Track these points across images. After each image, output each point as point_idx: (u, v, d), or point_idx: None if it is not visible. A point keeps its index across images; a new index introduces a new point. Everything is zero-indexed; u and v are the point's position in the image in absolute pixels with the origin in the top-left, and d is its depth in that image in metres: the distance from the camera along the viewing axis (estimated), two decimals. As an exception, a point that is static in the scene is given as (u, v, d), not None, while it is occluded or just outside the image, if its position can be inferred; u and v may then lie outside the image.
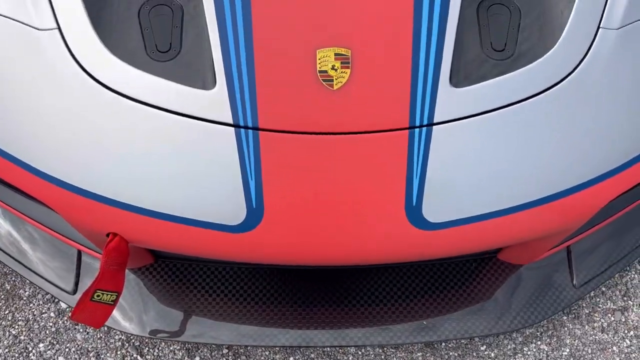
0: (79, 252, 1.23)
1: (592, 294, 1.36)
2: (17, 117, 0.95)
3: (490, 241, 1.02)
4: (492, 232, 0.98)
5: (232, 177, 0.91)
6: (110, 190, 0.93)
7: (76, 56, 0.92)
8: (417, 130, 0.92)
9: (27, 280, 1.31)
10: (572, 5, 0.95)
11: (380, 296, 1.21)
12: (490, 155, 0.93)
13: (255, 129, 0.91)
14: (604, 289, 1.38)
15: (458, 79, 0.93)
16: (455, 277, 1.23)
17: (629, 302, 1.36)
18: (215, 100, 0.91)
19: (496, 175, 0.94)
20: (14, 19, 0.94)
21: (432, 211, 0.93)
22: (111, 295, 0.99)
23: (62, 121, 0.93)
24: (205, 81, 0.92)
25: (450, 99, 0.92)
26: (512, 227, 0.97)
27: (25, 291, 1.35)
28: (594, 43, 0.94)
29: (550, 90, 0.93)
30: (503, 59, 0.95)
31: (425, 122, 0.92)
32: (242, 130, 0.91)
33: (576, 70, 0.94)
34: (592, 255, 1.28)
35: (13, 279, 1.37)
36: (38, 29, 0.93)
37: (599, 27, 0.95)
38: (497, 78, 0.93)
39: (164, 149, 0.91)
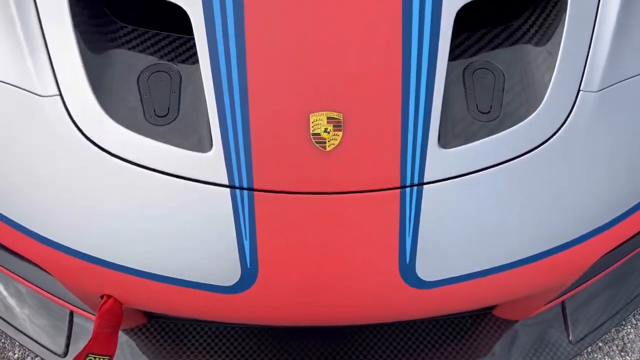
0: (71, 313, 1.22)
1: (589, 349, 1.35)
2: (13, 179, 0.97)
3: (484, 299, 1.02)
4: (486, 289, 0.98)
5: (227, 238, 0.92)
6: (106, 252, 0.93)
7: (76, 121, 0.95)
8: (408, 189, 0.94)
9: (17, 342, 1.29)
10: (553, 68, 1.00)
11: (376, 354, 1.20)
12: (480, 214, 0.95)
13: (251, 189, 0.93)
14: (600, 344, 1.37)
15: (446, 140, 0.97)
16: (450, 334, 1.22)
17: (627, 357, 1.35)
18: (211, 162, 0.93)
19: (487, 233, 0.95)
20: (17, 87, 0.97)
21: (425, 270, 0.94)
22: (103, 358, 0.98)
23: (60, 184, 0.94)
24: (202, 144, 0.95)
25: (439, 160, 0.95)
26: (505, 284, 0.98)
27: (15, 354, 1.33)
28: (575, 105, 0.98)
29: (535, 150, 0.96)
30: (489, 121, 0.99)
31: (416, 182, 0.94)
32: (238, 191, 0.93)
33: (559, 132, 0.97)
34: (587, 309, 1.28)
35: (2, 340, 1.35)
36: (40, 96, 0.97)
37: (579, 90, 0.99)
38: (484, 139, 0.96)
39: (159, 211, 0.93)
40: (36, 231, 0.95)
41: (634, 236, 1.07)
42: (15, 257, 1.01)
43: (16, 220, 0.96)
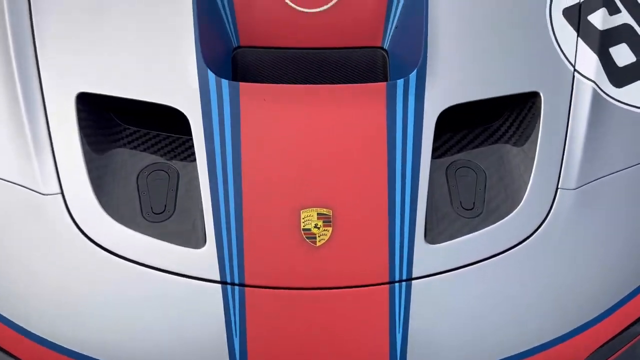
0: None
1: None
2: (8, 275, 0.99)
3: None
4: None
5: (217, 335, 0.92)
6: (97, 349, 0.93)
7: (75, 218, 0.99)
8: (397, 284, 0.96)
9: None
10: (531, 168, 1.06)
11: None
12: (468, 309, 0.97)
13: (242, 285, 0.95)
14: None
15: (433, 236, 1.00)
16: None
17: None
18: (204, 259, 0.96)
19: (476, 329, 0.96)
20: (20, 185, 1.02)
21: (416, 366, 0.94)
22: None
23: (56, 281, 0.96)
24: (196, 240, 0.98)
25: (426, 255, 0.98)
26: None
27: None
28: (554, 203, 1.03)
29: (519, 246, 1.00)
30: (473, 217, 1.03)
31: (404, 277, 0.96)
32: (229, 287, 0.95)
33: (541, 228, 1.01)
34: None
35: None
36: (42, 194, 1.01)
37: (557, 188, 1.05)
38: (469, 235, 1.00)
39: (152, 308, 0.94)
40: (28, 328, 0.95)
41: (626, 329, 1.07)
42: (7, 356, 1.00)
43: (12, 319, 0.97)
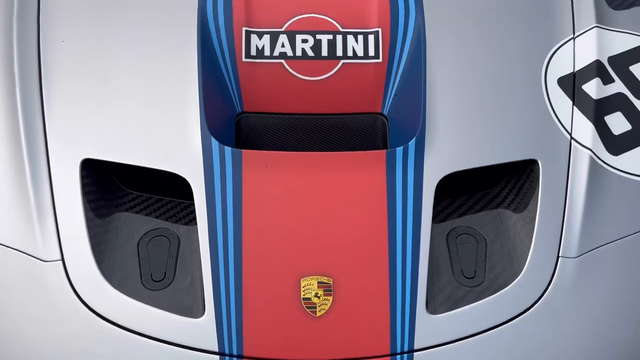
0: None
1: None
2: (6, 345, 0.98)
3: None
4: None
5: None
6: None
7: (75, 287, 0.98)
8: (398, 357, 0.95)
9: None
10: (531, 236, 1.06)
11: None
12: None
13: (240, 357, 0.94)
14: None
15: (434, 306, 0.99)
16: None
17: None
18: (202, 329, 0.95)
19: None
20: (21, 251, 1.02)
21: None
22: None
23: (54, 350, 0.95)
24: (195, 309, 0.97)
25: (428, 326, 0.96)
26: None
27: None
28: (556, 271, 1.03)
29: (522, 316, 0.99)
30: (474, 286, 1.03)
31: (405, 349, 0.95)
32: (227, 358, 0.93)
33: (543, 297, 1.00)
34: None
35: None
36: (43, 261, 1.01)
37: (558, 257, 1.04)
38: (471, 305, 0.99)
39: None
40: None
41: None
42: None
43: None
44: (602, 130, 1.15)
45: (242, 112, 1.23)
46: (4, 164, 1.09)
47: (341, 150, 1.17)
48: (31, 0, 1.27)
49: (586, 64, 1.22)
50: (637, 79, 1.21)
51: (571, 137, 1.14)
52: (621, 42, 1.25)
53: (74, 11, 1.27)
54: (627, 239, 1.08)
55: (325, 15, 1.26)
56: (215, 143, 1.07)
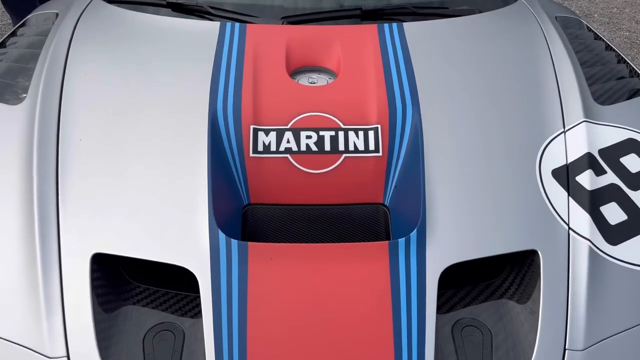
0: None
1: None
2: None
3: None
4: None
5: None
6: None
7: None
8: None
9: None
10: (536, 328, 1.05)
11: None
12: None
13: None
14: None
15: None
16: None
17: None
18: None
19: None
20: (27, 347, 1.02)
21: None
22: None
23: None
24: None
25: None
26: None
27: None
28: None
29: None
30: None
31: None
32: None
33: None
34: None
35: None
36: (48, 357, 1.01)
37: (565, 349, 1.04)
38: None
39: None
40: None
41: None
42: None
43: None
44: (599, 221, 1.18)
45: (249, 204, 1.28)
46: (16, 257, 1.12)
47: (345, 240, 1.20)
48: (53, 99, 1.37)
49: (578, 156, 1.28)
50: (628, 170, 1.25)
51: (569, 228, 1.17)
52: (610, 135, 1.32)
53: (92, 111, 1.36)
54: (634, 330, 1.08)
55: (328, 114, 1.34)
56: (222, 236, 1.11)
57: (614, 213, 1.20)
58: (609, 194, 1.22)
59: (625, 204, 1.21)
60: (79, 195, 1.20)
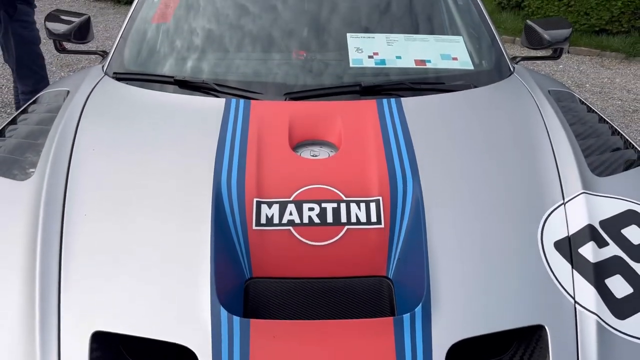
0: None
1: None
2: None
3: None
4: None
5: None
6: None
7: None
8: None
9: None
10: None
11: None
12: None
13: None
14: None
15: None
16: None
17: None
18: None
19: None
20: None
21: None
22: None
23: None
24: None
25: None
26: None
27: None
28: None
29: None
30: None
31: None
32: None
33: None
34: None
35: None
36: None
37: None
38: None
39: None
40: None
41: None
42: None
43: None
44: (605, 294, 1.17)
45: (251, 278, 1.27)
46: (15, 335, 1.10)
47: (349, 315, 1.19)
48: (60, 175, 1.39)
49: (579, 228, 1.28)
50: (630, 242, 1.26)
51: (575, 301, 1.16)
52: (609, 207, 1.33)
53: (98, 187, 1.38)
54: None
55: (330, 186, 1.36)
56: (224, 313, 1.09)
57: (619, 286, 1.19)
58: (613, 266, 1.22)
59: (630, 276, 1.20)
60: (81, 271, 1.20)
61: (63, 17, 2.25)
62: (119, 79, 1.86)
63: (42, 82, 3.35)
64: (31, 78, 3.31)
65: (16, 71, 3.31)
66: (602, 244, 1.25)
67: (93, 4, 7.89)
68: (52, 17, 2.25)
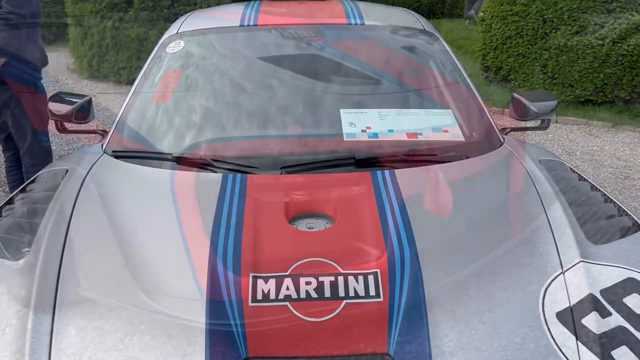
0: None
1: None
2: None
3: None
4: None
5: None
6: None
7: None
8: None
9: None
10: None
11: None
12: None
13: None
14: None
15: None
16: None
17: None
18: None
19: None
20: None
21: None
22: None
23: None
24: None
25: None
26: None
27: None
28: None
29: None
30: None
31: None
32: None
33: None
34: None
35: None
36: None
37: None
38: None
39: None
40: None
41: None
42: None
43: None
44: None
45: (247, 358, 1.23)
46: None
47: None
48: (55, 254, 1.38)
49: (581, 297, 1.26)
50: (633, 311, 1.23)
51: None
52: (609, 275, 1.32)
53: (93, 267, 1.37)
54: None
55: (326, 259, 1.35)
56: None
57: (626, 358, 1.15)
58: (618, 337, 1.19)
59: (636, 347, 1.17)
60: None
61: (66, 97, 2.32)
62: (117, 157, 1.89)
63: (49, 155, 3.41)
64: (40, 150, 3.34)
65: (26, 147, 3.32)
66: (605, 314, 1.23)
67: (95, 84, 8.18)
68: (56, 98, 2.32)
